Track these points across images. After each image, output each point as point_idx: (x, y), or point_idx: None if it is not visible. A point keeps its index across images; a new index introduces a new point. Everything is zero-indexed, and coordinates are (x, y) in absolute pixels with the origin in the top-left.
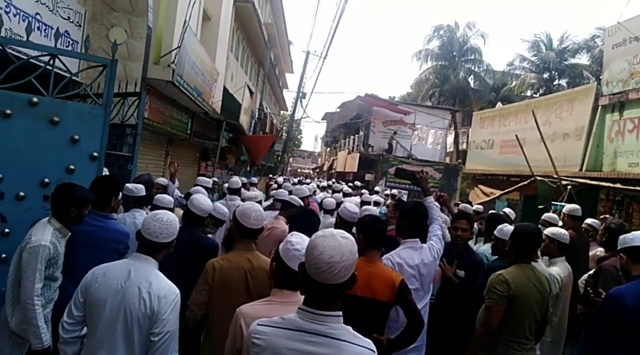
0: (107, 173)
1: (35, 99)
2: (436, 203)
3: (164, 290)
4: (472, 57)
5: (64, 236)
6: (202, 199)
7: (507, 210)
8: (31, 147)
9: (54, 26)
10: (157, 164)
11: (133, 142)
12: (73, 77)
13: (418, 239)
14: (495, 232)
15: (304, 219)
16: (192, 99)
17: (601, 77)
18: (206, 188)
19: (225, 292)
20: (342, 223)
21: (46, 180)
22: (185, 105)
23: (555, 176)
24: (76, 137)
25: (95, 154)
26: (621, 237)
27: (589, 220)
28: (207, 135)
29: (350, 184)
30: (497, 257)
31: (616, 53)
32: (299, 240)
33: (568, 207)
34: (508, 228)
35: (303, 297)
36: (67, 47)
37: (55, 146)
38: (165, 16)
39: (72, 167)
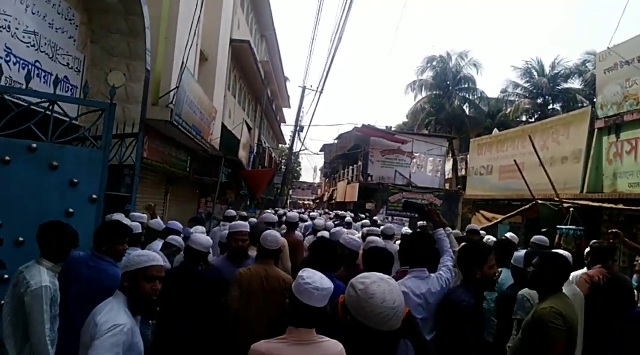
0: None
1: (34, 145)
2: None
3: (105, 318)
4: (466, 85)
5: (56, 274)
6: (201, 236)
7: (509, 235)
8: (31, 192)
9: (53, 73)
10: (157, 202)
11: (131, 183)
12: (73, 121)
13: (425, 269)
14: (513, 261)
15: (325, 250)
16: (191, 137)
17: (595, 100)
18: (200, 219)
19: (248, 292)
20: (349, 254)
21: None
22: (184, 144)
23: (556, 199)
24: (75, 180)
25: (95, 196)
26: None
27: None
28: (207, 172)
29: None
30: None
31: (609, 77)
32: (310, 275)
33: (535, 237)
34: (521, 254)
35: (321, 337)
36: (66, 92)
37: (54, 191)
38: (164, 58)
39: (71, 210)
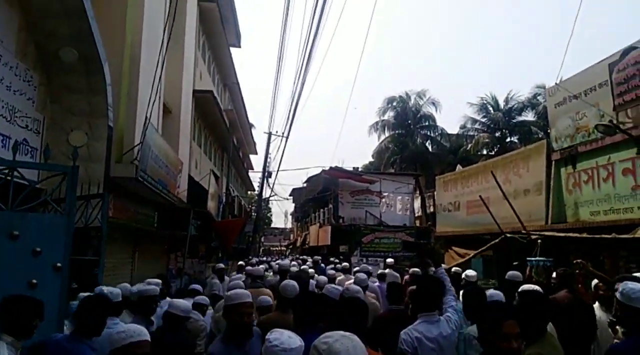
0: (75, 286)
1: None
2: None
3: None
4: (427, 123)
5: (17, 350)
6: (179, 301)
7: (468, 272)
8: None
9: (12, 136)
10: (125, 262)
11: (98, 246)
12: (34, 186)
13: (435, 313)
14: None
15: (308, 305)
16: (157, 192)
17: (549, 132)
18: (165, 276)
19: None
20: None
21: None
22: (151, 199)
23: (523, 231)
24: (38, 249)
25: (59, 264)
26: None
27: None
28: (175, 226)
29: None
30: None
31: (559, 111)
32: (277, 336)
33: (509, 273)
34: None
35: None
36: (26, 155)
37: (15, 261)
38: (126, 114)
39: (34, 281)
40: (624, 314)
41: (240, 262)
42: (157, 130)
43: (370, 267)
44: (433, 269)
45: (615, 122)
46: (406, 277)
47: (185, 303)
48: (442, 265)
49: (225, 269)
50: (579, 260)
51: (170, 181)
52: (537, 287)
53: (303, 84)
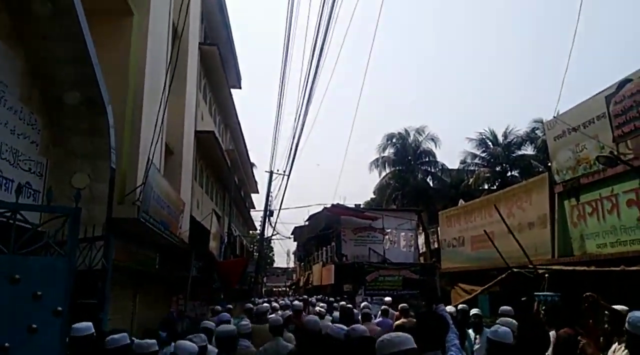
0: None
1: None
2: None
3: None
4: (427, 159)
5: None
6: (185, 343)
7: (475, 311)
8: None
9: (15, 180)
10: (126, 305)
11: (102, 289)
12: (39, 229)
13: (439, 351)
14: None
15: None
16: (159, 233)
17: (550, 165)
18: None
19: None
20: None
21: (6, 344)
22: (153, 240)
23: (530, 266)
24: (38, 293)
25: (60, 308)
26: None
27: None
28: (177, 268)
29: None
30: None
31: (559, 144)
32: None
33: (501, 308)
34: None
35: None
36: (28, 198)
37: (15, 305)
38: (129, 155)
39: (34, 325)
40: (631, 342)
41: (248, 304)
42: (159, 171)
43: (370, 310)
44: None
45: (615, 153)
46: (396, 313)
47: (192, 345)
48: (447, 306)
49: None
50: (589, 294)
51: (172, 222)
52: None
53: (303, 123)
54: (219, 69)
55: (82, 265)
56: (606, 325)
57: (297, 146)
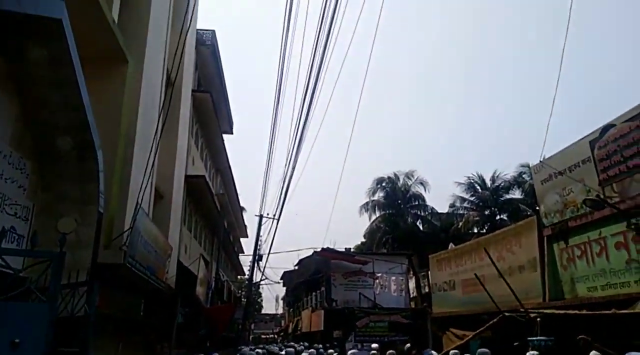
0: None
1: None
2: None
3: None
4: (417, 203)
5: None
6: None
7: (481, 351)
8: None
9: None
10: None
11: (84, 337)
12: (22, 274)
13: None
14: None
15: None
16: (145, 278)
17: (537, 208)
18: None
19: None
20: None
21: None
22: (138, 286)
23: (522, 310)
24: (17, 340)
25: None
26: None
27: None
28: (162, 313)
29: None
30: None
31: (546, 188)
32: None
33: (479, 351)
34: None
35: None
36: (12, 242)
37: None
38: (118, 199)
39: None
40: None
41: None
42: (148, 215)
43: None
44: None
45: (602, 196)
46: None
47: None
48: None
49: None
50: (582, 337)
51: (159, 267)
52: None
53: (293, 168)
54: (211, 115)
55: (65, 311)
56: None
57: (287, 190)
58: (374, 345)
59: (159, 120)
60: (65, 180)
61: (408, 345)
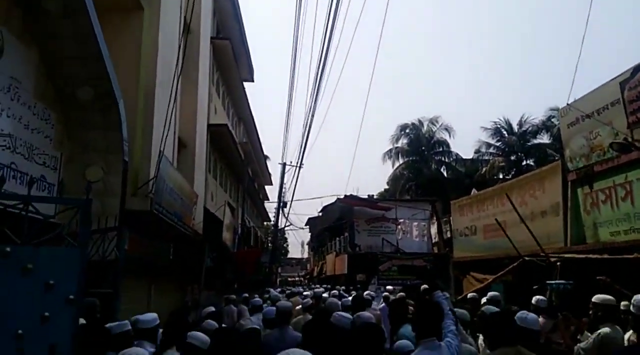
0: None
1: (7, 249)
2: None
3: None
4: (441, 149)
5: None
6: (199, 334)
7: (491, 294)
8: (2, 299)
9: (29, 173)
10: (141, 295)
11: (115, 279)
12: (52, 220)
13: (435, 338)
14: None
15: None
16: (172, 224)
17: (564, 152)
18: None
19: None
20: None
21: (19, 332)
22: (166, 232)
23: (542, 254)
24: (51, 282)
25: (72, 297)
26: None
27: None
28: (191, 258)
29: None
30: None
31: (572, 131)
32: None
33: (490, 294)
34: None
35: None
36: (43, 191)
37: (28, 295)
38: (141, 148)
39: (47, 314)
40: (635, 323)
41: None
42: (172, 164)
43: (373, 297)
44: (447, 294)
45: (630, 139)
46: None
47: (204, 336)
48: (445, 293)
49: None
50: (602, 278)
51: (185, 214)
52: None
53: (313, 113)
54: (232, 62)
55: (96, 255)
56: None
57: (308, 134)
58: (389, 287)
59: (176, 67)
60: (89, 130)
61: (425, 286)
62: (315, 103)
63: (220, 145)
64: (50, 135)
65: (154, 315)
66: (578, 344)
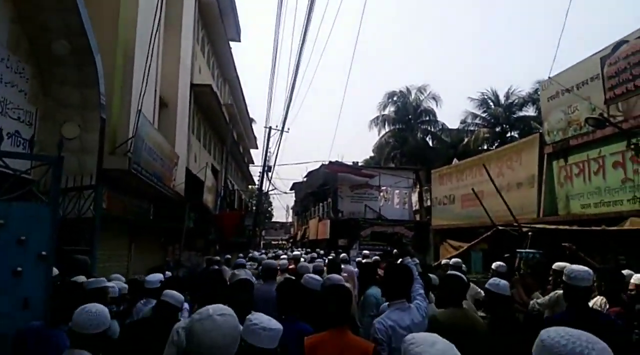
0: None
1: None
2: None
3: None
4: (427, 118)
5: None
6: (174, 292)
7: (453, 261)
8: None
9: (3, 128)
10: (121, 254)
11: (90, 237)
12: (26, 176)
13: (404, 300)
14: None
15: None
16: (152, 184)
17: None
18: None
19: None
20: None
21: None
22: (146, 191)
23: (515, 224)
24: (22, 238)
25: (44, 253)
26: None
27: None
28: (172, 219)
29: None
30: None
31: (552, 105)
32: (257, 317)
33: (453, 260)
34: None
35: None
36: (18, 146)
37: (0, 250)
38: (120, 107)
39: (19, 269)
40: (566, 291)
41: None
42: (152, 124)
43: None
44: (416, 260)
45: (606, 115)
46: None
47: (178, 294)
48: (415, 258)
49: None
50: (567, 244)
51: (165, 174)
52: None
53: (297, 69)
54: (218, 20)
55: (72, 213)
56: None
57: (292, 93)
58: (365, 252)
59: (154, 20)
60: (65, 86)
61: (395, 251)
62: (298, 62)
63: (204, 106)
64: (25, 89)
65: (159, 276)
66: (534, 299)
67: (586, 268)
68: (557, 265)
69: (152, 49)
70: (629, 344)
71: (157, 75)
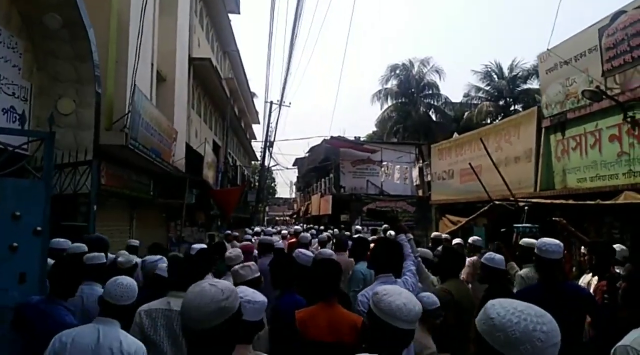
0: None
1: None
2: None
3: (134, 346)
4: (430, 92)
5: None
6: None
7: (473, 238)
8: None
9: None
10: (122, 229)
11: (87, 212)
12: (21, 151)
13: (391, 274)
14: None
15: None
16: (150, 160)
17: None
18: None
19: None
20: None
21: None
22: (145, 167)
23: (512, 199)
24: (17, 213)
25: (39, 228)
26: None
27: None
28: (172, 195)
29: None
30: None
31: (550, 77)
32: (242, 290)
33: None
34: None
35: (257, 353)
36: (13, 122)
37: None
38: (115, 81)
39: (15, 244)
40: (538, 263)
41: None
42: (149, 98)
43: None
44: (410, 236)
45: (603, 87)
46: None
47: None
48: (409, 235)
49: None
50: (558, 219)
51: (164, 150)
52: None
53: (293, 40)
54: None
55: (68, 189)
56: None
57: (289, 64)
58: (358, 227)
59: None
60: (59, 60)
61: (386, 226)
62: (294, 32)
63: (203, 81)
64: (19, 64)
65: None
66: (516, 270)
67: (557, 241)
68: (524, 241)
69: (143, 20)
70: (595, 308)
71: (154, 49)
